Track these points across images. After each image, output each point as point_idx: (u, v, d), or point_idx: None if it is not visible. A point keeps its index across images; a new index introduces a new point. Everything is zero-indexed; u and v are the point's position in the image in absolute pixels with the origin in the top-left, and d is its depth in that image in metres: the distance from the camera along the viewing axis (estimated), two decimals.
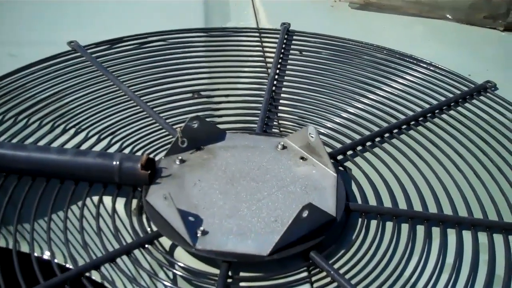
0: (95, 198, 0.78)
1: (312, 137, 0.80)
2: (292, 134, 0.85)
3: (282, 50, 1.11)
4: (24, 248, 0.74)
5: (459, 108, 0.98)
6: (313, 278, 0.68)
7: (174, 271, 0.68)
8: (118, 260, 0.69)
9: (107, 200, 0.78)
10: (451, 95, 1.00)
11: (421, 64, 1.08)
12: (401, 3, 1.27)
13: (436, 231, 0.76)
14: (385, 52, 1.11)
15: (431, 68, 1.07)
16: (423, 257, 0.72)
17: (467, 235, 0.75)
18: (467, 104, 0.99)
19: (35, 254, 0.71)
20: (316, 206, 0.68)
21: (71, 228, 0.75)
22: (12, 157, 0.78)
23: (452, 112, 0.97)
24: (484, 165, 0.86)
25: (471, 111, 0.97)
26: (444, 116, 0.96)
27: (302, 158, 0.82)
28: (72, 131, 0.88)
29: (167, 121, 0.90)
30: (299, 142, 0.83)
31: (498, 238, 0.75)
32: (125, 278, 0.69)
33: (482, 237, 0.75)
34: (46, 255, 0.73)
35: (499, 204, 0.80)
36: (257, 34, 1.17)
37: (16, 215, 0.75)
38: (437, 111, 0.96)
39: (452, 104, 0.98)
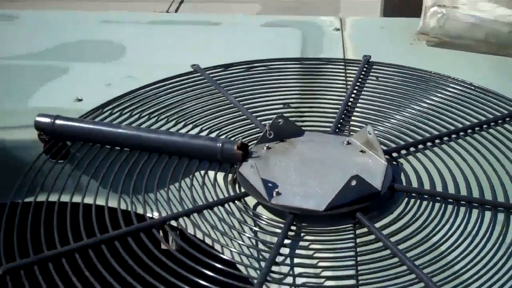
0: (202, 172, 1.05)
1: (369, 134, 1.02)
2: (356, 133, 1.08)
3: (361, 76, 1.34)
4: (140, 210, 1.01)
5: (506, 125, 1.15)
6: (357, 232, 0.89)
7: (255, 219, 0.93)
8: (215, 209, 0.95)
9: (211, 173, 1.04)
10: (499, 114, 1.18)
11: (476, 89, 1.26)
12: (471, 42, 1.47)
13: (463, 210, 0.93)
14: (449, 80, 1.31)
15: (485, 93, 1.25)
16: (452, 229, 0.90)
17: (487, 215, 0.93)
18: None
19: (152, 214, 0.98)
20: (362, 178, 0.90)
21: (183, 194, 1.02)
22: (146, 138, 1.08)
23: (499, 128, 1.14)
24: None
25: None
26: (491, 130, 1.13)
27: (361, 151, 1.04)
28: (190, 126, 1.17)
29: (262, 122, 1.17)
30: (361, 139, 1.06)
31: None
32: (220, 225, 0.94)
33: (500, 216, 0.92)
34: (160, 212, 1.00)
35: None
36: (342, 63, 1.41)
37: (144, 183, 1.03)
38: (485, 125, 1.14)
39: (500, 121, 1.16)
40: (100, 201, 1.00)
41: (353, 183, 0.89)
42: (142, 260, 0.87)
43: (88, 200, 1.00)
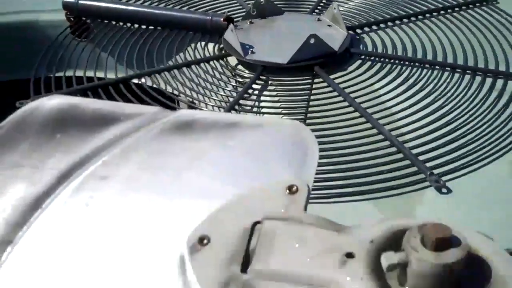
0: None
1: (335, 10, 1.21)
2: (326, 12, 1.27)
3: None
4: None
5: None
6: (315, 81, 1.10)
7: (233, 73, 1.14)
8: (202, 64, 1.17)
9: (202, 43, 1.25)
10: None
11: None
12: None
13: (419, 71, 1.11)
14: None
15: None
16: (397, 83, 1.09)
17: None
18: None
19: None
20: (319, 37, 1.10)
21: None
22: (151, 14, 1.30)
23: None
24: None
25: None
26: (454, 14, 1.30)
27: (328, 25, 1.23)
28: (188, 6, 1.38)
29: (247, 3, 1.36)
30: (329, 16, 1.25)
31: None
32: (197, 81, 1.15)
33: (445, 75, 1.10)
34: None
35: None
36: None
37: (145, 53, 1.24)
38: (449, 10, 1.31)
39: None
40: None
41: (312, 41, 1.09)
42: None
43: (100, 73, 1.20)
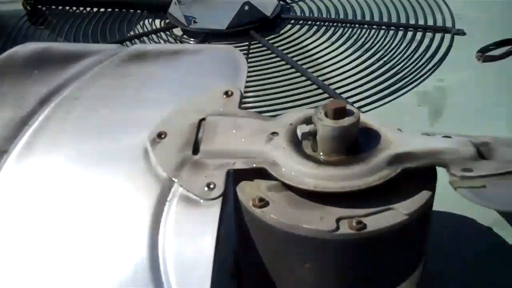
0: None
1: None
2: None
3: None
4: None
5: None
6: (251, 45, 1.24)
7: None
8: (151, 36, 1.29)
9: (150, 19, 1.38)
10: None
11: None
12: None
13: (350, 31, 1.26)
14: None
15: None
16: (328, 43, 1.24)
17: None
18: None
19: None
20: (252, 4, 1.24)
21: None
22: None
23: None
24: None
25: None
26: None
27: None
28: None
29: None
30: None
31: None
32: None
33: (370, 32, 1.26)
34: None
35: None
36: None
37: (98, 34, 1.36)
38: None
39: None
40: None
41: (246, 7, 1.24)
42: None
43: None
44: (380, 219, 0.53)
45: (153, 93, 0.66)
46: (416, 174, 0.56)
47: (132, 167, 0.59)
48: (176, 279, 0.52)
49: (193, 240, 0.54)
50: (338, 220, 0.53)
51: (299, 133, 0.57)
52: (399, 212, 0.54)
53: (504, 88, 1.01)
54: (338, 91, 1.05)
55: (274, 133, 0.59)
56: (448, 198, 0.73)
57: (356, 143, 0.58)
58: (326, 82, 1.09)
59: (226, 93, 0.64)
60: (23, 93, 0.66)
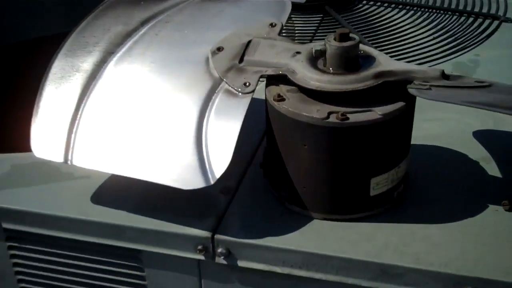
0: None
1: None
2: None
3: None
4: None
5: None
6: (324, 20, 1.44)
7: None
8: None
9: None
10: None
11: None
12: None
13: (420, 14, 1.44)
14: None
15: None
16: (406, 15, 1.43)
17: None
18: None
19: None
20: None
21: None
22: None
23: None
24: None
25: None
26: None
27: None
28: None
29: None
30: None
31: None
32: None
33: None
34: None
35: None
36: None
37: None
38: None
39: None
40: None
41: None
42: None
43: None
44: (361, 116, 0.74)
45: (220, 22, 0.90)
46: (396, 90, 0.76)
47: (197, 68, 0.84)
48: (210, 144, 0.76)
49: (226, 119, 0.78)
50: (329, 113, 0.74)
51: (313, 50, 0.79)
52: (376, 113, 0.74)
53: None
54: None
55: (298, 52, 0.81)
56: (447, 137, 0.92)
57: (357, 62, 0.78)
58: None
59: (271, 24, 0.86)
60: (131, 15, 0.93)
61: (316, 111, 0.74)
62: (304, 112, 0.74)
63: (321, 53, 0.79)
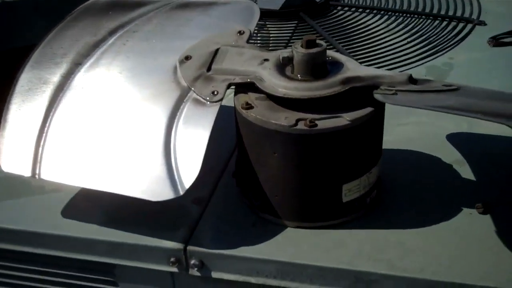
0: None
1: None
2: None
3: None
4: None
5: None
6: (299, 26, 1.44)
7: None
8: None
9: None
10: None
11: None
12: None
13: (393, 19, 1.45)
14: None
15: None
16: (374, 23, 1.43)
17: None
18: None
19: None
20: None
21: None
22: None
23: None
24: None
25: None
26: None
27: None
28: None
29: None
30: None
31: None
32: None
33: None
34: None
35: None
36: None
37: None
38: None
39: None
40: None
41: None
42: None
43: None
44: (329, 122, 0.73)
45: (189, 30, 0.89)
46: (365, 95, 0.75)
47: (165, 78, 0.83)
48: (178, 154, 0.75)
49: (195, 128, 0.77)
50: (298, 120, 0.73)
51: (280, 57, 0.78)
52: (344, 119, 0.73)
53: (509, 73, 1.15)
54: None
55: (266, 60, 0.80)
56: (421, 141, 0.91)
57: (325, 69, 0.78)
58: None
59: (239, 32, 0.86)
60: (99, 26, 0.92)
61: (284, 119, 0.74)
62: (272, 120, 0.74)
63: (289, 60, 0.78)
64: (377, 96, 0.71)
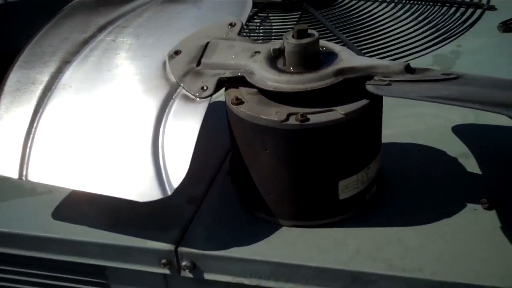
0: None
1: None
2: None
3: None
4: None
5: None
6: (303, 17, 1.40)
7: None
8: None
9: None
10: None
11: None
12: None
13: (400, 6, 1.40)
14: None
15: None
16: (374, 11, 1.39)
17: None
18: None
19: None
20: None
21: None
22: None
23: None
24: None
25: None
26: None
27: None
28: None
29: None
30: None
31: None
32: None
33: None
34: None
35: None
36: None
37: None
38: None
39: None
40: None
41: None
42: None
43: None
44: (322, 116, 0.70)
45: (179, 24, 0.86)
46: (360, 87, 0.71)
47: (154, 74, 0.80)
48: (167, 154, 0.72)
49: (183, 125, 0.74)
50: (289, 115, 0.70)
51: (271, 49, 0.75)
52: (338, 112, 0.70)
53: None
54: None
55: (257, 52, 0.77)
56: (425, 134, 0.87)
57: (318, 60, 0.74)
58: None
59: (230, 24, 0.83)
60: (89, 22, 0.90)
61: (275, 113, 0.70)
62: (262, 115, 0.70)
63: (280, 52, 0.75)
64: (369, 87, 0.68)
